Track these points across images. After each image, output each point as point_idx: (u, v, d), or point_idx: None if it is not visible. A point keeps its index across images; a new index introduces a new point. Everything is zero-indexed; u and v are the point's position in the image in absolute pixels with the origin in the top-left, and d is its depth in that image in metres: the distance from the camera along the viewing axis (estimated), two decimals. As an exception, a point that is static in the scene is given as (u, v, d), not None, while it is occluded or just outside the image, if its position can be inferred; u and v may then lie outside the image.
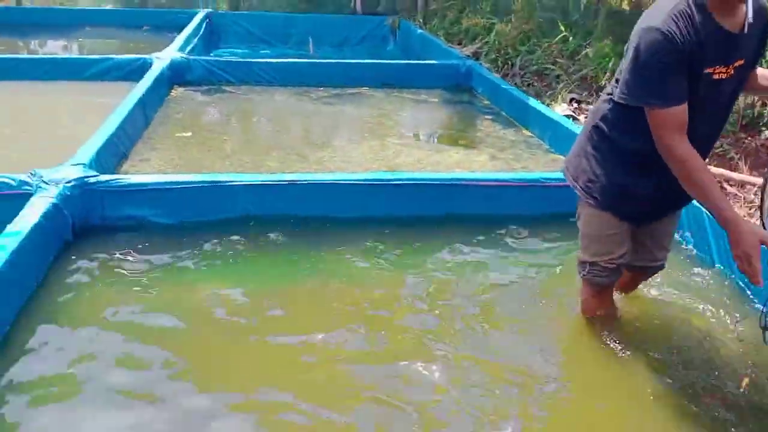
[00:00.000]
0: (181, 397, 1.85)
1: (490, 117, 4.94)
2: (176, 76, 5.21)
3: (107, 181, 2.77)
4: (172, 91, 5.08)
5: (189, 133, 4.19)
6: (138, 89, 4.31)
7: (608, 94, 2.00)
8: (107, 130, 3.44)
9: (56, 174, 2.74)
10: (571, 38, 6.37)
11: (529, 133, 4.53)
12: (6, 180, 2.70)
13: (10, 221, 2.60)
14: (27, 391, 1.85)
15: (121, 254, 2.62)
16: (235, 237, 2.74)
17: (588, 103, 5.52)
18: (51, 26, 7.81)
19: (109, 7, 8.80)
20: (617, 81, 1.90)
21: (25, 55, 5.32)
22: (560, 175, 3.14)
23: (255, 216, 2.86)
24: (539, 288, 2.50)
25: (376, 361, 2.05)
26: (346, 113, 4.89)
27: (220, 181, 2.86)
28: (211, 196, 2.84)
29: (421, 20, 8.02)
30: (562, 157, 4.02)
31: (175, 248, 2.68)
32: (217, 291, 2.40)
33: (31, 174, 2.73)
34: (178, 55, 5.37)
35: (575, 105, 5.41)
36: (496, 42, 6.91)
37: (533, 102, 4.69)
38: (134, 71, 5.18)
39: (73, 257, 2.57)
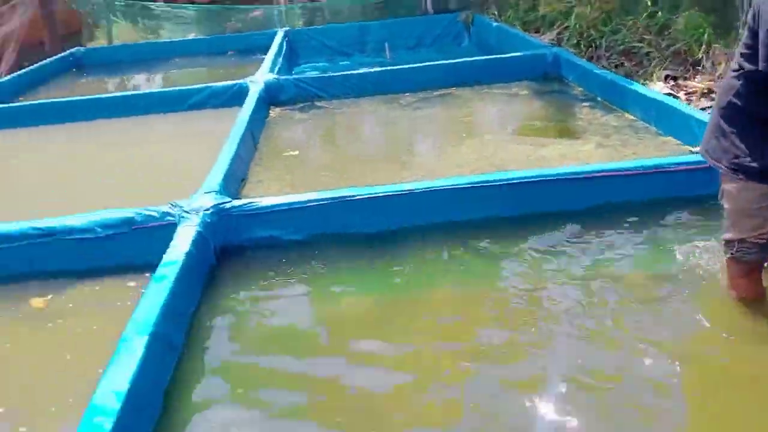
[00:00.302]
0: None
1: (586, 104, 4.85)
2: (271, 97, 5.41)
3: (241, 205, 2.93)
4: (270, 111, 5.28)
5: (296, 152, 4.35)
6: (243, 114, 4.51)
7: (736, 70, 2.00)
8: (227, 156, 3.62)
9: (194, 203, 2.92)
10: (658, 12, 6.15)
11: (632, 117, 4.42)
12: (150, 213, 2.90)
13: (156, 251, 2.84)
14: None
15: (261, 272, 2.77)
16: (365, 248, 2.84)
17: (685, 79, 5.33)
18: (141, 61, 8.27)
19: (191, 36, 9.20)
20: (744, 55, 1.93)
21: (129, 92, 5.65)
22: (684, 158, 3.12)
23: (381, 227, 2.95)
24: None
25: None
26: (438, 115, 4.93)
27: (344, 197, 2.95)
28: (337, 211, 2.94)
29: (495, 12, 7.95)
30: (672, 138, 3.92)
31: (310, 263, 2.80)
32: (358, 300, 2.51)
33: (172, 205, 2.92)
34: (270, 77, 5.57)
35: (672, 82, 5.23)
36: (577, 26, 6.77)
37: (631, 83, 4.58)
38: (232, 97, 5.42)
39: (219, 280, 2.74)
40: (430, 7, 8.93)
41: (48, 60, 7.73)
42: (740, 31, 5.04)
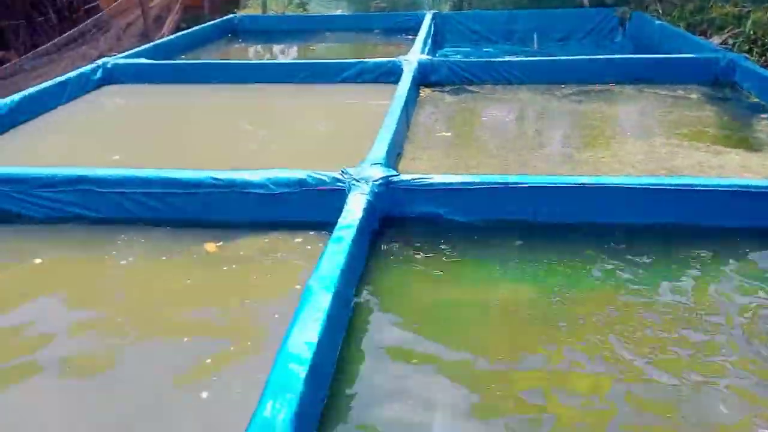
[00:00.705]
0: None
1: (765, 115, 4.46)
2: (422, 77, 5.40)
3: (409, 180, 2.93)
4: (420, 92, 5.27)
5: (449, 133, 4.32)
6: (400, 91, 4.53)
7: None
8: (388, 131, 3.65)
9: (363, 173, 2.96)
10: None
11: (823, 132, 4.02)
12: (321, 177, 2.97)
13: (321, 212, 2.93)
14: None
15: (420, 245, 2.78)
16: (528, 237, 2.77)
17: None
18: (292, 32, 8.55)
19: (339, 12, 9.41)
20: None
21: (288, 60, 5.85)
22: None
23: (543, 218, 2.86)
24: None
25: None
26: (598, 111, 4.71)
27: (510, 183, 2.88)
28: (502, 196, 2.88)
29: (659, 11, 7.50)
30: None
31: (469, 245, 2.78)
32: (514, 289, 2.45)
33: (342, 172, 2.98)
34: (423, 57, 5.56)
35: None
36: (752, 32, 6.26)
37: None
38: (384, 74, 5.47)
39: (382, 246, 2.77)
40: (586, 1, 8.57)
41: (208, 24, 8.16)
42: None
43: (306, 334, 1.82)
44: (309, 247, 2.85)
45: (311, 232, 2.95)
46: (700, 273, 2.50)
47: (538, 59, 5.60)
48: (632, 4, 8.17)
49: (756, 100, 4.82)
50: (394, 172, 2.97)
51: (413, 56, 5.59)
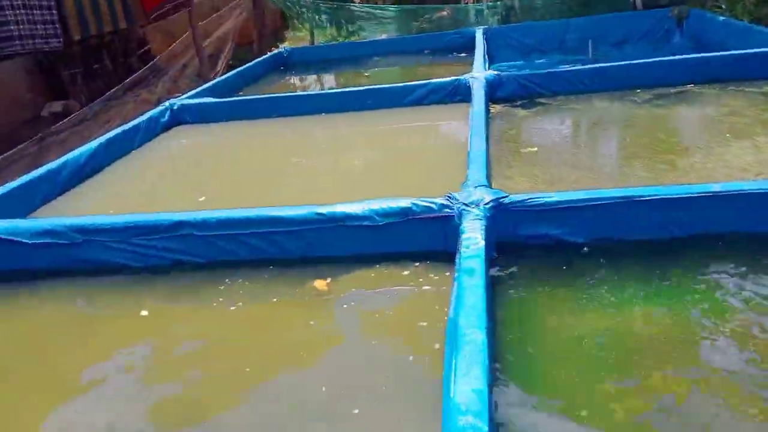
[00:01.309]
0: None
1: None
2: (491, 93, 5.27)
3: (522, 200, 2.78)
4: (491, 108, 5.14)
5: (535, 149, 4.17)
6: (476, 108, 4.41)
7: None
8: (480, 150, 3.52)
9: (472, 196, 2.82)
10: None
11: None
12: (427, 204, 2.84)
13: (427, 242, 2.80)
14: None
15: (542, 272, 2.62)
16: (656, 256, 2.59)
17: None
18: (342, 60, 8.54)
19: (384, 37, 9.38)
20: None
21: (352, 88, 5.80)
22: None
23: (677, 233, 2.67)
24: None
25: None
26: (685, 114, 4.51)
27: (634, 196, 2.70)
28: (628, 212, 2.70)
29: (722, 6, 7.25)
30: None
31: (593, 267, 2.60)
32: (648, 315, 2.27)
33: (449, 197, 2.85)
34: (490, 73, 5.43)
35: None
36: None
37: None
38: (450, 93, 5.37)
39: (502, 275, 2.62)
40: (639, 4, 8.37)
41: (260, 59, 8.22)
42: None
43: (471, 381, 1.67)
44: (421, 279, 2.72)
45: (416, 264, 2.82)
46: None
47: (608, 65, 5.41)
48: (689, 2, 7.94)
49: None
50: (504, 194, 2.83)
51: (479, 73, 5.47)
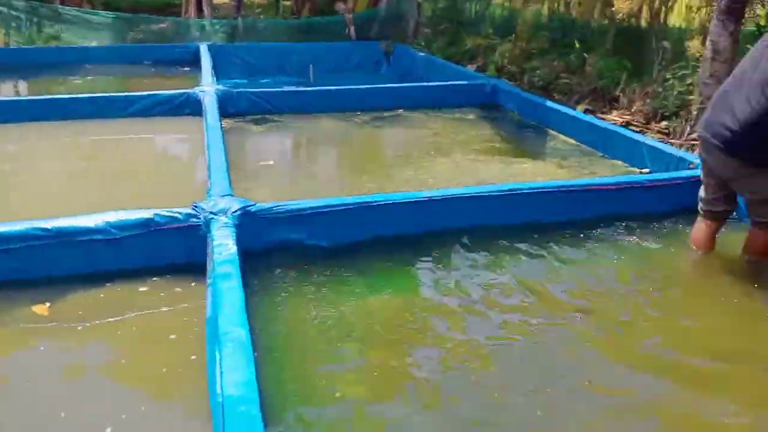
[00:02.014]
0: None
1: (530, 130, 5.27)
2: (222, 107, 5.30)
3: (269, 207, 2.89)
4: (223, 123, 5.16)
5: (271, 162, 4.32)
6: (211, 122, 4.40)
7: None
8: (219, 162, 3.54)
9: (218, 205, 2.84)
10: (572, 56, 6.81)
11: (575, 142, 4.88)
12: (172, 214, 2.78)
13: (174, 254, 2.76)
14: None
15: (286, 274, 2.75)
16: (392, 252, 2.92)
17: (603, 113, 5.94)
18: (46, 65, 7.66)
19: (94, 44, 8.66)
20: None
21: (68, 95, 5.24)
22: (658, 176, 3.54)
23: (403, 231, 3.05)
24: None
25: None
26: (400, 134, 5.11)
27: (367, 202, 3.02)
28: (363, 216, 3.00)
29: (422, 43, 8.35)
30: (619, 162, 4.38)
31: (334, 266, 2.82)
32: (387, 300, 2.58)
33: (195, 207, 2.83)
34: (221, 88, 5.45)
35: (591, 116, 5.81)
36: (499, 61, 7.34)
37: (575, 112, 5.06)
38: (178, 106, 5.26)
39: (252, 277, 2.68)
40: (353, 34, 9.17)
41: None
42: (655, 74, 5.77)
43: (239, 374, 1.72)
44: (163, 293, 2.62)
45: (155, 278, 2.72)
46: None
47: (332, 89, 5.86)
48: (392, 37, 8.97)
49: (518, 118, 5.66)
50: (251, 202, 2.91)
51: (208, 87, 5.46)
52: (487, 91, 6.03)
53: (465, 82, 6.16)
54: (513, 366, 2.18)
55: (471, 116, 5.69)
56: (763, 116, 2.49)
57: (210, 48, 7.93)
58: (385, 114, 5.65)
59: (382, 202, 3.01)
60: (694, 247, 2.98)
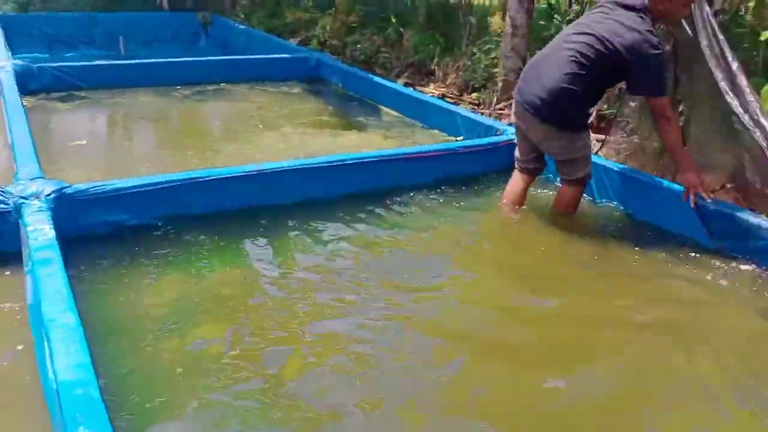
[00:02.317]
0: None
1: (355, 103, 5.45)
2: (22, 84, 4.80)
3: (86, 189, 2.73)
4: (24, 101, 4.69)
5: (84, 141, 4.02)
6: (11, 101, 3.99)
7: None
8: (24, 143, 3.25)
9: (28, 189, 2.63)
10: (390, 30, 7.08)
11: (397, 114, 5.14)
12: (-26, 200, 2.53)
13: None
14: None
15: (111, 256, 2.63)
16: (221, 228, 2.89)
17: (421, 86, 6.29)
18: None
19: None
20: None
21: None
22: (471, 142, 3.87)
23: (238, 206, 3.04)
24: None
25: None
26: (225, 109, 5.01)
27: (201, 177, 2.96)
28: (190, 192, 2.94)
29: (242, 15, 8.15)
30: (437, 131, 4.71)
31: (160, 247, 2.73)
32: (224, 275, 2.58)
33: (1, 192, 2.59)
34: (18, 63, 4.93)
35: (410, 89, 6.12)
36: (321, 35, 7.40)
37: (396, 86, 5.31)
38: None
39: (72, 265, 2.53)
40: (166, 4, 8.68)
41: None
42: (464, 48, 6.21)
43: (73, 358, 1.65)
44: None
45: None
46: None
47: (150, 62, 5.56)
48: (210, 8, 8.66)
49: (343, 91, 5.81)
50: (66, 184, 2.72)
51: (4, 62, 4.91)
52: (311, 64, 6.10)
53: (289, 56, 6.16)
54: (340, 338, 2.29)
55: (297, 90, 5.73)
56: (566, 87, 2.85)
57: (0, 19, 7.09)
58: (209, 88, 5.51)
59: (209, 178, 2.97)
60: (505, 201, 3.28)
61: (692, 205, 2.89)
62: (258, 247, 2.80)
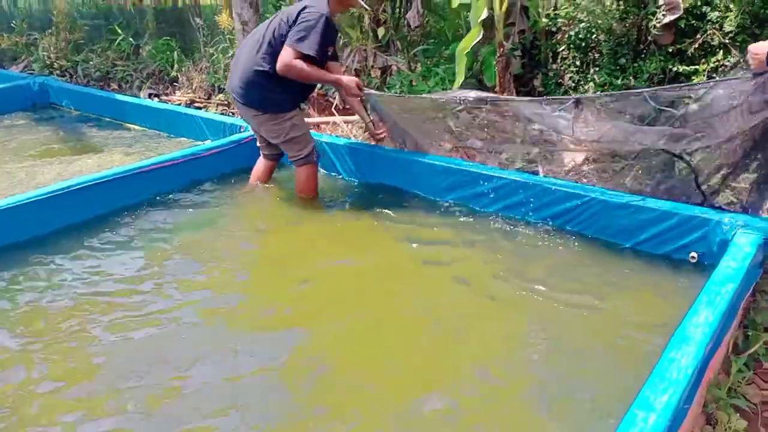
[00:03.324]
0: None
1: (92, 124, 5.09)
2: None
3: None
4: None
5: None
6: None
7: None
8: None
9: None
10: (120, 40, 6.69)
11: (141, 128, 4.92)
12: None
13: None
14: None
15: None
16: None
17: (167, 95, 6.06)
18: None
19: None
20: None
21: None
22: (217, 143, 3.84)
23: None
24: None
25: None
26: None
27: None
28: None
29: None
30: (184, 139, 4.59)
31: None
32: None
33: None
34: None
35: (156, 99, 5.86)
36: (45, 57, 6.75)
37: (136, 100, 5.06)
38: None
39: None
40: None
41: None
42: (202, 50, 6.08)
43: None
44: None
45: None
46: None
47: None
48: None
49: (77, 112, 5.40)
50: None
51: None
52: (34, 90, 5.56)
53: (6, 85, 5.55)
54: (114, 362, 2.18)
55: (22, 121, 5.19)
56: (256, 69, 3.02)
57: None
58: None
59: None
60: (251, 179, 3.46)
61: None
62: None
